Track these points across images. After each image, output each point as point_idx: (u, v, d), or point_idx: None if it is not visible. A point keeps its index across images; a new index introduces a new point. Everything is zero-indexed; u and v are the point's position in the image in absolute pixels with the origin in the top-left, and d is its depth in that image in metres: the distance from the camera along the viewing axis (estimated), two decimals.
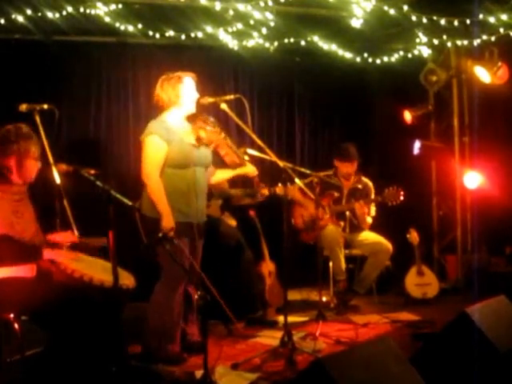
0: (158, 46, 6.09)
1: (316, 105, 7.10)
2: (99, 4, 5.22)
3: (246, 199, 5.40)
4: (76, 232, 3.58)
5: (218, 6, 5.37)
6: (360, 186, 5.85)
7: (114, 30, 5.66)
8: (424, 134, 6.83)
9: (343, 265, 5.59)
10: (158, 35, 5.90)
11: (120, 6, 5.31)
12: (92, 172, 3.25)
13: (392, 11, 5.59)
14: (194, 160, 4.02)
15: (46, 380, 3.13)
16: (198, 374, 3.53)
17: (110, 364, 3.14)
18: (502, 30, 5.77)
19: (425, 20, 5.71)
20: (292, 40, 6.30)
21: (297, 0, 5.57)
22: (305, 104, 7.07)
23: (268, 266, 5.42)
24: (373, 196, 5.86)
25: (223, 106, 4.14)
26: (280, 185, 5.06)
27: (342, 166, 5.80)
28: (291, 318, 4.56)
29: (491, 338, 3.17)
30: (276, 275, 5.46)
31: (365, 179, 5.92)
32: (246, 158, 4.72)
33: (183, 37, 5.98)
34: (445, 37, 6.22)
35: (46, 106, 3.69)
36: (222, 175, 4.59)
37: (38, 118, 3.64)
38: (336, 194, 5.68)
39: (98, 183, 3.08)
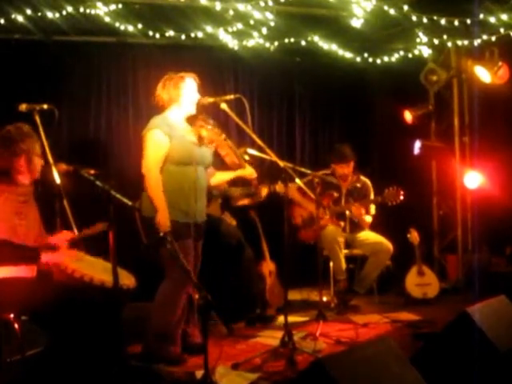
0: (158, 46, 6.09)
1: (316, 105, 7.10)
2: (99, 4, 5.22)
3: (246, 199, 5.40)
4: (76, 232, 3.57)
5: (218, 6, 5.37)
6: (358, 185, 5.85)
7: (114, 30, 5.66)
8: (424, 133, 6.82)
9: (343, 265, 5.59)
10: (158, 35, 5.90)
11: (120, 5, 5.31)
12: (92, 172, 3.25)
13: (392, 11, 5.59)
14: (195, 158, 4.02)
15: (46, 380, 3.13)
16: (199, 374, 3.53)
17: (110, 364, 3.14)
18: (502, 30, 5.77)
19: (425, 20, 5.71)
20: (292, 40, 6.29)
21: (297, 0, 5.57)
22: (305, 104, 7.07)
23: (268, 266, 5.42)
24: (372, 194, 5.87)
25: (223, 105, 4.14)
26: (280, 182, 5.06)
27: (339, 167, 5.80)
28: (291, 318, 4.56)
29: (491, 338, 3.17)
30: (276, 275, 5.46)
31: (363, 178, 5.93)
32: (247, 157, 4.72)
33: (183, 37, 5.99)
34: (445, 37, 6.22)
35: (45, 106, 3.70)
36: (221, 177, 4.59)
37: (37, 118, 3.64)
38: (336, 194, 5.69)
39: (98, 183, 3.07)
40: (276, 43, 6.31)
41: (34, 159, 3.41)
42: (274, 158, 4.15)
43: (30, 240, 3.38)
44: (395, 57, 6.76)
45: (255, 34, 6.05)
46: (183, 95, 4.04)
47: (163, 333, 3.94)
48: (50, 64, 5.73)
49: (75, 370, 3.09)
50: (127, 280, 3.38)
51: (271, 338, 4.44)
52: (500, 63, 5.90)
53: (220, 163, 4.49)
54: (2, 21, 5.20)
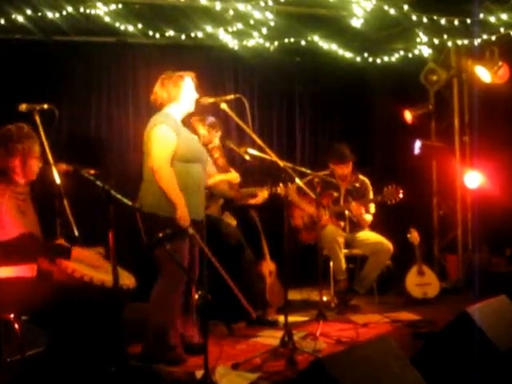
0: (158, 46, 6.09)
1: (316, 105, 7.10)
2: (99, 4, 5.22)
3: (247, 199, 5.41)
4: (76, 232, 3.57)
5: (218, 6, 5.37)
6: (357, 185, 5.86)
7: (114, 30, 5.66)
8: (424, 133, 6.82)
9: (343, 264, 5.59)
10: (158, 35, 5.89)
11: (120, 5, 5.31)
12: (92, 172, 3.25)
13: (392, 11, 5.59)
14: (198, 156, 4.04)
15: (47, 380, 3.12)
16: (199, 374, 3.53)
17: (110, 364, 3.14)
18: (502, 30, 5.77)
19: (425, 19, 5.70)
20: (292, 40, 6.29)
21: (297, 0, 5.56)
22: (305, 104, 7.07)
23: (268, 266, 5.42)
24: (371, 193, 5.87)
25: (223, 105, 4.14)
26: (281, 185, 5.07)
27: (338, 168, 5.80)
28: (292, 318, 4.56)
29: (492, 338, 3.17)
30: (276, 275, 5.46)
31: (362, 177, 5.93)
32: (247, 157, 4.73)
33: (183, 37, 5.98)
34: (445, 36, 6.22)
35: (46, 106, 3.69)
36: (218, 178, 4.64)
37: (37, 118, 3.63)
38: (335, 194, 5.69)
39: (98, 183, 3.07)
40: (276, 43, 6.31)
41: (29, 161, 3.40)
42: (274, 157, 4.15)
43: None
44: (395, 57, 6.76)
45: (255, 33, 6.05)
46: (183, 94, 4.05)
47: (162, 333, 3.94)
48: (50, 64, 5.73)
49: (75, 370, 3.09)
50: (127, 280, 3.37)
51: (271, 338, 4.44)
52: (500, 63, 5.90)
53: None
54: (2, 21, 5.20)
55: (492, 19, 5.61)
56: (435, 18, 5.67)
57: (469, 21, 5.70)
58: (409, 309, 5.49)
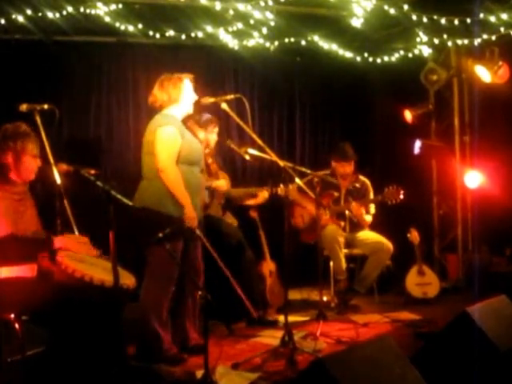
0: (158, 45, 6.09)
1: (316, 104, 7.10)
2: (99, 4, 5.22)
3: (247, 199, 5.41)
4: (76, 232, 3.58)
5: (218, 6, 5.37)
6: (358, 185, 5.86)
7: (114, 30, 5.66)
8: (424, 133, 6.82)
9: (344, 264, 5.59)
10: (158, 35, 5.90)
11: (120, 5, 5.31)
12: (92, 172, 3.25)
13: (392, 10, 5.59)
14: (199, 159, 4.07)
15: (47, 380, 3.12)
16: (199, 373, 3.53)
17: (110, 364, 3.14)
18: (502, 30, 5.77)
19: (425, 19, 5.70)
20: (292, 40, 6.29)
21: (297, 0, 5.56)
22: (305, 103, 7.07)
23: (269, 266, 5.42)
24: (371, 194, 5.88)
25: (224, 105, 4.15)
26: (281, 185, 5.07)
27: (340, 166, 5.81)
28: (292, 318, 4.55)
29: (492, 338, 3.17)
30: (277, 275, 5.46)
31: (362, 178, 5.93)
32: (247, 157, 4.73)
33: (183, 37, 5.98)
34: (445, 36, 6.22)
35: (46, 106, 3.69)
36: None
37: (38, 118, 3.64)
38: (336, 194, 5.69)
39: (99, 183, 3.07)
40: (276, 43, 6.31)
41: (23, 158, 3.38)
42: (274, 157, 4.15)
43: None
44: (395, 56, 6.76)
45: (255, 33, 6.05)
46: (183, 95, 4.05)
47: (154, 333, 3.93)
48: (50, 64, 5.73)
49: (75, 370, 3.09)
50: (127, 280, 3.37)
51: (271, 338, 4.44)
52: (500, 63, 5.89)
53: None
54: (2, 21, 5.20)
55: (492, 19, 5.61)
56: (435, 17, 5.67)
57: (469, 20, 5.70)
58: (409, 309, 5.49)
